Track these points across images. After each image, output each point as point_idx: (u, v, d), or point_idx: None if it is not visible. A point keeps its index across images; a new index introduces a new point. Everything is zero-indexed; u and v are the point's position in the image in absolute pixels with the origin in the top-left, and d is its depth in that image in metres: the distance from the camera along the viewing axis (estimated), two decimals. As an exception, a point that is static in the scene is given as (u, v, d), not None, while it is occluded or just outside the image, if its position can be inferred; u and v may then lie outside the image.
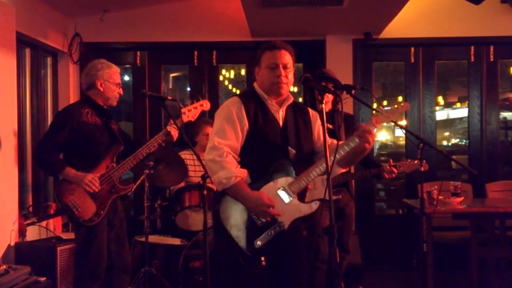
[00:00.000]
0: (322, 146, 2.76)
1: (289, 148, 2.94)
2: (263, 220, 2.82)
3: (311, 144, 3.05)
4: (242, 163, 2.89)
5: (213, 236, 3.09)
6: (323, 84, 4.15)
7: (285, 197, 2.87)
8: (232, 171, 2.79)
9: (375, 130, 2.77)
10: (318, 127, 3.08)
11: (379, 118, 2.81)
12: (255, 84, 3.07)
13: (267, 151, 2.91)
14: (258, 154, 2.90)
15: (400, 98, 6.71)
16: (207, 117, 5.50)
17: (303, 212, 2.89)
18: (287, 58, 2.96)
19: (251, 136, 2.91)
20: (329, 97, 4.29)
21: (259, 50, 3.04)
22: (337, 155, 2.73)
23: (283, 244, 2.89)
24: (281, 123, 2.98)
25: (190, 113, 4.00)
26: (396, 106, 2.86)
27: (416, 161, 3.83)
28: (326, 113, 3.89)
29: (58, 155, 3.71)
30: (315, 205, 2.88)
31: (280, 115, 3.00)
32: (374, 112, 2.87)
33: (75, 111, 3.76)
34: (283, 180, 2.88)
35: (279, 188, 2.87)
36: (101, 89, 3.84)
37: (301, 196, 2.92)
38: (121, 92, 3.94)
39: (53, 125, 3.84)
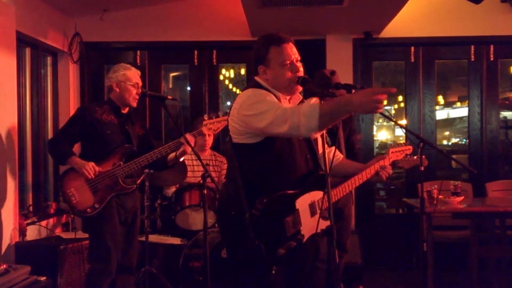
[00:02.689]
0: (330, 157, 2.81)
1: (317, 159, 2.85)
2: (292, 230, 2.68)
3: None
4: (268, 169, 2.70)
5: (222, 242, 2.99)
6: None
7: (312, 211, 2.78)
8: (309, 103, 2.48)
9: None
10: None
11: (393, 155, 3.27)
12: (258, 80, 2.82)
13: (293, 160, 2.75)
14: (287, 163, 2.73)
15: (400, 98, 6.71)
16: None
17: (320, 228, 2.70)
18: (295, 50, 2.76)
19: (277, 140, 2.70)
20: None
21: (260, 46, 2.78)
22: (358, 182, 3.00)
23: (297, 257, 2.77)
24: None
25: (212, 125, 4.09)
26: (403, 147, 3.43)
27: (415, 157, 3.84)
28: None
29: (68, 146, 3.89)
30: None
31: None
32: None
33: (91, 108, 3.98)
34: (317, 194, 2.80)
35: (311, 202, 2.78)
36: (117, 90, 3.96)
37: (323, 212, 2.81)
38: (139, 92, 4.01)
39: (68, 120, 4.04)
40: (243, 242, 2.69)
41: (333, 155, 2.85)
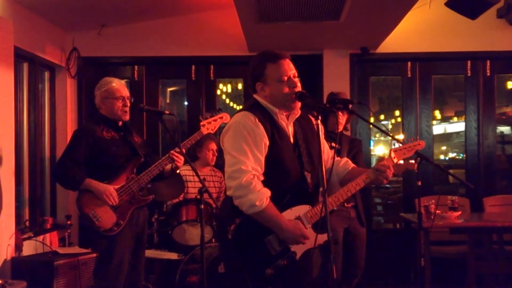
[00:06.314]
0: (329, 165, 2.82)
1: (305, 173, 2.79)
2: (278, 249, 2.65)
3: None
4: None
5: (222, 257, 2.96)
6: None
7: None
8: (263, 192, 2.59)
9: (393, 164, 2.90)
10: (323, 140, 2.89)
11: (397, 154, 2.97)
12: (257, 97, 2.83)
13: (284, 176, 2.74)
14: (275, 179, 2.70)
15: (397, 113, 6.73)
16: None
17: (316, 243, 2.67)
18: (292, 66, 2.77)
19: (268, 156, 2.70)
20: (343, 119, 4.26)
21: (257, 64, 2.80)
22: (355, 188, 2.82)
23: (292, 275, 2.72)
24: (292, 140, 2.82)
25: (210, 125, 4.10)
26: (413, 143, 3.07)
27: (411, 161, 3.76)
28: (336, 133, 3.88)
29: (77, 170, 3.78)
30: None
31: (290, 130, 2.83)
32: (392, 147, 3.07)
33: (90, 128, 3.90)
34: (300, 208, 2.73)
35: (296, 217, 2.70)
36: (104, 107, 3.93)
37: (316, 226, 2.73)
38: (127, 104, 3.95)
39: (70, 143, 3.92)
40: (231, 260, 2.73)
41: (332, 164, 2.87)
